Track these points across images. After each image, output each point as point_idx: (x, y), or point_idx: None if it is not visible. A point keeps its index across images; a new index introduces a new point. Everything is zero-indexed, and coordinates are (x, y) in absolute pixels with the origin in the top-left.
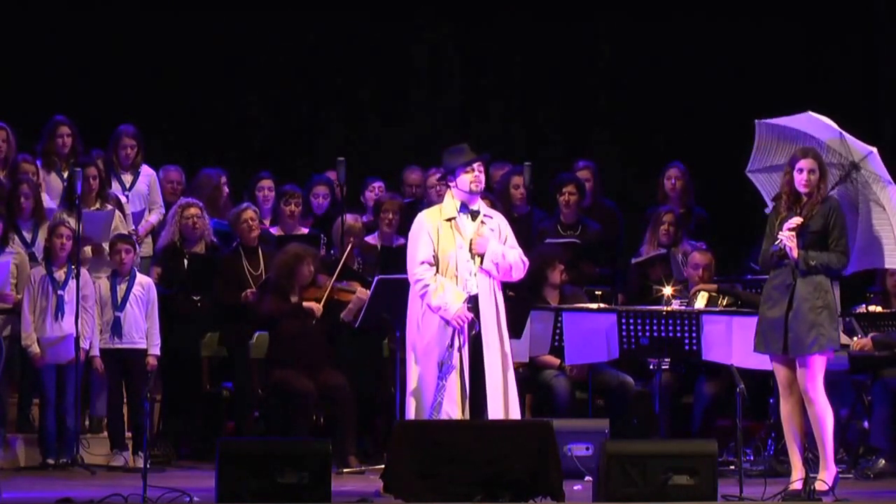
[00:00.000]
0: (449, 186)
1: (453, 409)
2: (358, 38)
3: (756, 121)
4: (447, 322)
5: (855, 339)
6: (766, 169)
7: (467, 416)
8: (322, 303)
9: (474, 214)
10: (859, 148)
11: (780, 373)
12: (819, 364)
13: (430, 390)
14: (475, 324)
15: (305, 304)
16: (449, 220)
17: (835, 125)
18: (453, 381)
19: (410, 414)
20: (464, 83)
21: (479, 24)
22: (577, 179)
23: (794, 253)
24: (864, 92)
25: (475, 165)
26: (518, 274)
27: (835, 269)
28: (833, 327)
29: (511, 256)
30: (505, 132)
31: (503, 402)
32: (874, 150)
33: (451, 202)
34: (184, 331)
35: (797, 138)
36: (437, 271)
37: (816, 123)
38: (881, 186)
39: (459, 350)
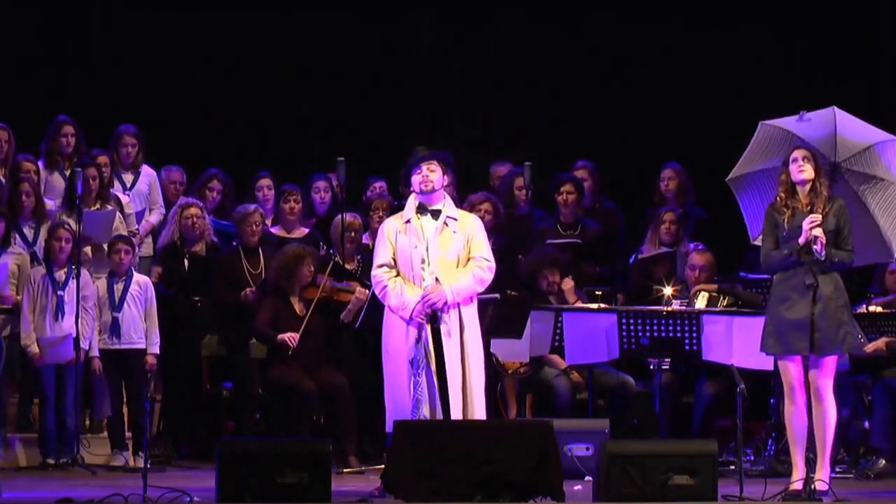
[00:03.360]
0: (412, 191)
1: (425, 406)
2: (359, 38)
3: (727, 180)
4: (407, 321)
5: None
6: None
7: (438, 414)
8: (315, 303)
9: (435, 214)
10: (860, 139)
11: (793, 374)
12: (834, 363)
13: (404, 390)
14: (437, 317)
15: (279, 337)
16: (407, 222)
17: (791, 128)
18: (424, 378)
19: (390, 418)
20: (464, 83)
21: (479, 24)
22: (574, 178)
23: (824, 249)
24: (865, 91)
25: (423, 165)
26: (485, 283)
27: (847, 266)
28: (853, 325)
29: (467, 279)
30: (505, 132)
31: (463, 401)
32: (836, 132)
33: (410, 204)
34: (184, 331)
35: (769, 178)
36: (398, 273)
37: (777, 141)
38: (864, 161)
39: (425, 345)
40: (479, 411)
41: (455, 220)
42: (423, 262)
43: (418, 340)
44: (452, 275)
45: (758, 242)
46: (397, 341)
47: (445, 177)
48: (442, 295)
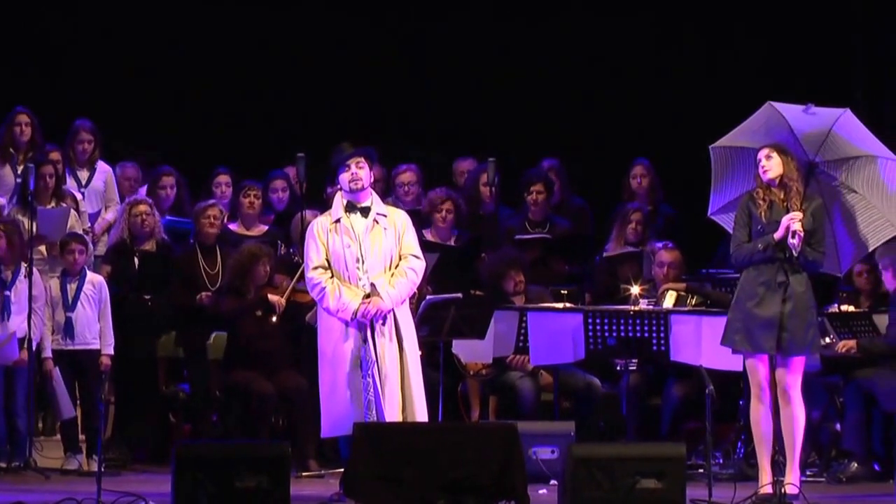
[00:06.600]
0: (339, 188)
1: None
2: (321, 33)
3: (710, 147)
4: (347, 322)
5: (828, 339)
6: (728, 206)
7: (381, 418)
8: (283, 306)
9: (365, 211)
10: (828, 123)
11: (761, 373)
12: (802, 363)
13: (342, 393)
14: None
15: (271, 296)
16: (336, 221)
17: (789, 117)
18: (371, 380)
19: (327, 425)
20: (430, 77)
21: (445, 20)
22: (544, 177)
23: (801, 245)
24: (841, 89)
25: (351, 163)
26: (417, 283)
27: (815, 268)
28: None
29: (401, 282)
30: (470, 127)
31: (402, 403)
32: (832, 128)
33: (338, 203)
34: (135, 331)
35: (749, 160)
36: (333, 274)
37: (770, 125)
38: (846, 168)
39: (374, 346)
40: (420, 413)
41: (384, 216)
42: (357, 260)
43: (365, 341)
44: (387, 278)
45: (715, 218)
46: (337, 344)
47: (372, 173)
48: (381, 305)
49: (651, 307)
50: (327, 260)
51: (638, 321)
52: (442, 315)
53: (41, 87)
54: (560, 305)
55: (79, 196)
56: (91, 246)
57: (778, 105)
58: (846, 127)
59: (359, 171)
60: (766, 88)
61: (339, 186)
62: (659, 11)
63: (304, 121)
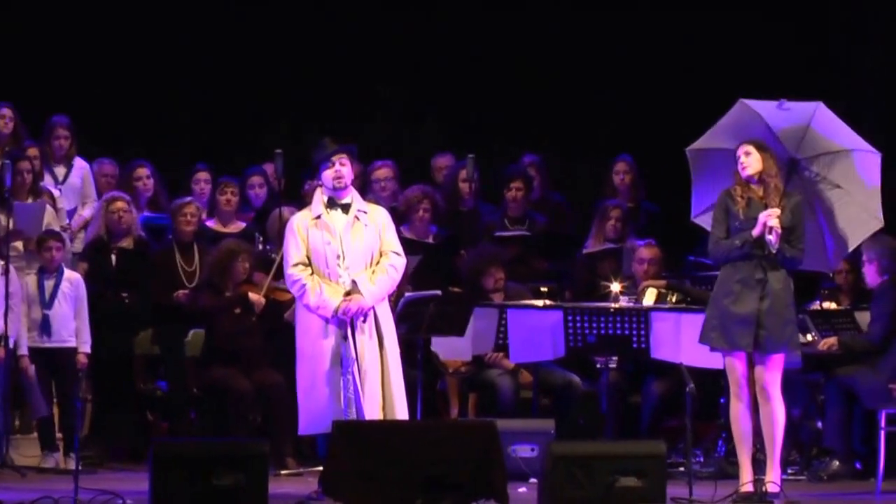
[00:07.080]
0: (319, 184)
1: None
2: (299, 30)
3: (686, 149)
4: (327, 319)
5: (809, 336)
6: (711, 207)
7: (361, 416)
8: (264, 304)
9: (345, 208)
10: (805, 119)
11: (738, 370)
12: (781, 361)
13: (321, 391)
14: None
15: (251, 295)
16: (316, 218)
17: (765, 113)
18: (350, 377)
19: (305, 422)
20: (407, 73)
21: (426, 15)
22: (523, 174)
23: (778, 241)
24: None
25: (335, 159)
26: (398, 280)
27: (795, 265)
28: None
29: (382, 279)
30: (450, 124)
31: (382, 401)
32: (810, 124)
33: (318, 199)
34: (112, 328)
35: (728, 160)
36: (313, 271)
37: (745, 123)
38: (826, 163)
39: (354, 343)
40: (400, 411)
41: (365, 213)
42: (338, 257)
43: (345, 338)
44: (368, 275)
45: (699, 221)
46: (315, 341)
47: (353, 169)
48: (362, 303)
49: (631, 304)
50: (307, 256)
51: (618, 318)
52: (421, 312)
53: (18, 82)
54: (540, 303)
55: (56, 192)
56: (68, 243)
57: (751, 102)
58: (822, 122)
59: (342, 169)
60: (753, 85)
61: (318, 182)
62: (642, 7)
63: (282, 117)
